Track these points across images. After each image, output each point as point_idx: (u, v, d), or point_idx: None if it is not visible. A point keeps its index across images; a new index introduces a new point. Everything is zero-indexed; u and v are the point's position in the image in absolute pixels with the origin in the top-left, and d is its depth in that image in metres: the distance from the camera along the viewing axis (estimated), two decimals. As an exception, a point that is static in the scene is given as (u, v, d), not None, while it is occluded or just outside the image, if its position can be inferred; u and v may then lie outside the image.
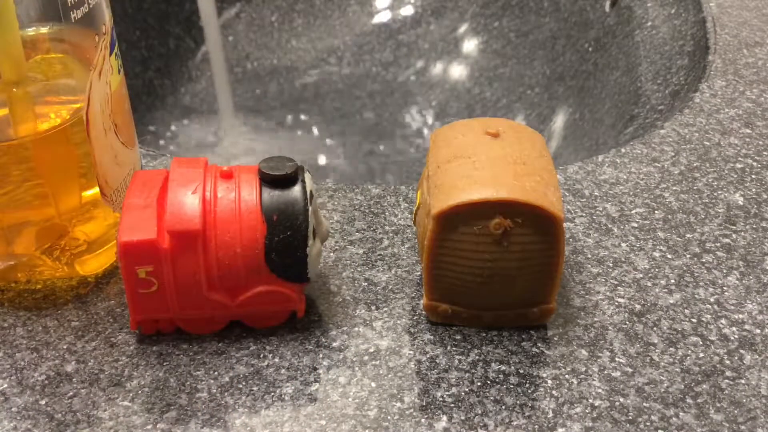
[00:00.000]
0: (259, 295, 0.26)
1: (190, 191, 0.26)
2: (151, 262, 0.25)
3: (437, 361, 0.27)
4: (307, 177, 0.27)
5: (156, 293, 0.26)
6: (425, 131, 0.73)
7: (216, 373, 0.26)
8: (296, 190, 0.26)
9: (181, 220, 0.25)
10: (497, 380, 0.26)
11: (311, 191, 0.27)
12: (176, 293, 0.26)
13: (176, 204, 0.26)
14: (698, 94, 0.45)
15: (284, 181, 0.26)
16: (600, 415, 0.25)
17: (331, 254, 0.31)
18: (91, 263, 0.30)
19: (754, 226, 0.34)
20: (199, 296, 0.26)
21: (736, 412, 0.25)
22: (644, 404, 0.25)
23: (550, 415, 0.25)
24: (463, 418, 0.25)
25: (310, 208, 0.26)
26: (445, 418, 0.25)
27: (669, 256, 0.32)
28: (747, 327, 0.29)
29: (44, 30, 0.28)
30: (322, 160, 0.70)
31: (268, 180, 0.26)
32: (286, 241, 0.26)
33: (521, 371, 0.26)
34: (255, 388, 0.26)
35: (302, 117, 0.75)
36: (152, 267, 0.25)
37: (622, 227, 0.33)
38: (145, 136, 0.68)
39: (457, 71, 0.77)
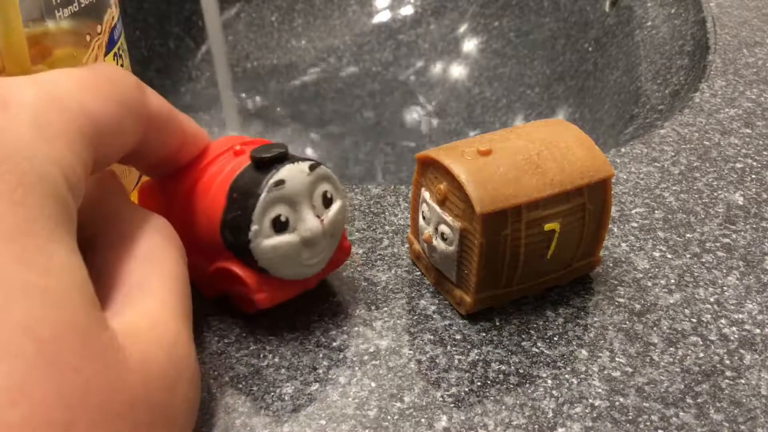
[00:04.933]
0: (222, 270, 0.27)
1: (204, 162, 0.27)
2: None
3: (437, 361, 0.27)
4: (296, 169, 0.26)
5: None
6: (425, 131, 0.73)
7: (216, 373, 0.26)
8: (265, 175, 0.26)
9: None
10: (497, 380, 0.26)
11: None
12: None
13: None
14: (698, 93, 0.45)
15: (262, 165, 0.26)
16: (600, 415, 0.25)
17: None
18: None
19: (754, 226, 0.34)
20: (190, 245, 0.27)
21: (736, 412, 0.25)
22: (644, 404, 0.25)
23: (550, 415, 0.25)
24: (463, 418, 0.25)
25: (273, 196, 0.26)
26: (445, 418, 0.25)
27: (669, 256, 0.32)
28: (747, 327, 0.29)
29: (44, 28, 0.28)
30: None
31: (254, 162, 0.26)
32: (236, 220, 0.26)
33: (521, 371, 0.26)
34: (255, 388, 0.26)
35: (302, 116, 0.75)
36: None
37: (621, 227, 0.33)
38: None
39: (457, 71, 0.77)
